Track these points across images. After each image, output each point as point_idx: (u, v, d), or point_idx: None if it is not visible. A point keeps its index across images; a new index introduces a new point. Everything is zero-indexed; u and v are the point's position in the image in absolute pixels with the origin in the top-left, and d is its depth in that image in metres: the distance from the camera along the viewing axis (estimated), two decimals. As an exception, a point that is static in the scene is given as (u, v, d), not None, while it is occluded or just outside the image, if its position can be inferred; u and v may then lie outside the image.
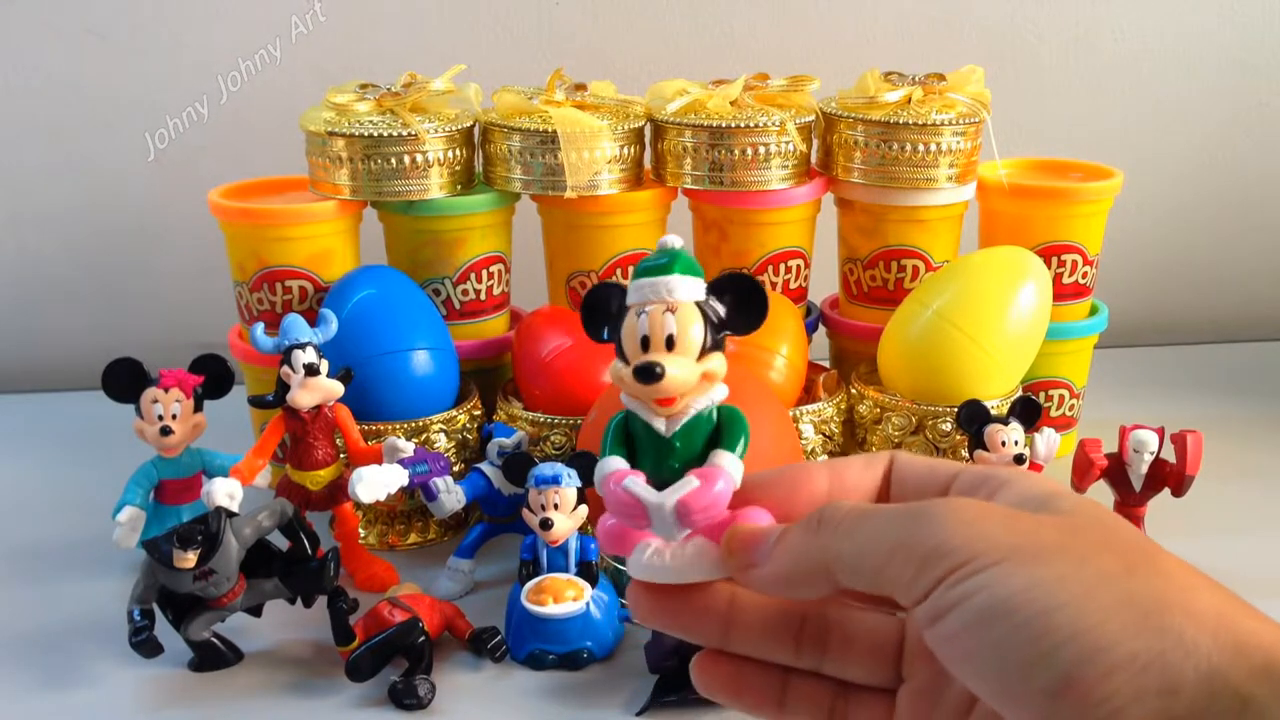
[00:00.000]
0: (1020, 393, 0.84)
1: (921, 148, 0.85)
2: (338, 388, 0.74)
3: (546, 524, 0.68)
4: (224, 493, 0.68)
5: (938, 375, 0.82)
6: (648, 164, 0.91)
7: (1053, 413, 0.94)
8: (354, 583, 0.76)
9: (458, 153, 0.85)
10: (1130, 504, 0.77)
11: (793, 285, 0.92)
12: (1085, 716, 0.25)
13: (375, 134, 0.81)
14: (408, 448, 0.73)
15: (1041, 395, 0.93)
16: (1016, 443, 0.75)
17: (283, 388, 0.73)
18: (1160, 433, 0.76)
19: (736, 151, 0.85)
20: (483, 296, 0.90)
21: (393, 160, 0.82)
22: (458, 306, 0.89)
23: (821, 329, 0.98)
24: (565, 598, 0.67)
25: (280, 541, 0.67)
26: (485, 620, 0.70)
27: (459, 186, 0.86)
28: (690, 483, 0.31)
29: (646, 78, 0.93)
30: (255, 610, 0.68)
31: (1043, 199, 0.91)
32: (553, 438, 0.80)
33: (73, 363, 1.15)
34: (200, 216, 0.89)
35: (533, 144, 0.84)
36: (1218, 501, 0.85)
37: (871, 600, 0.31)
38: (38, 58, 1.09)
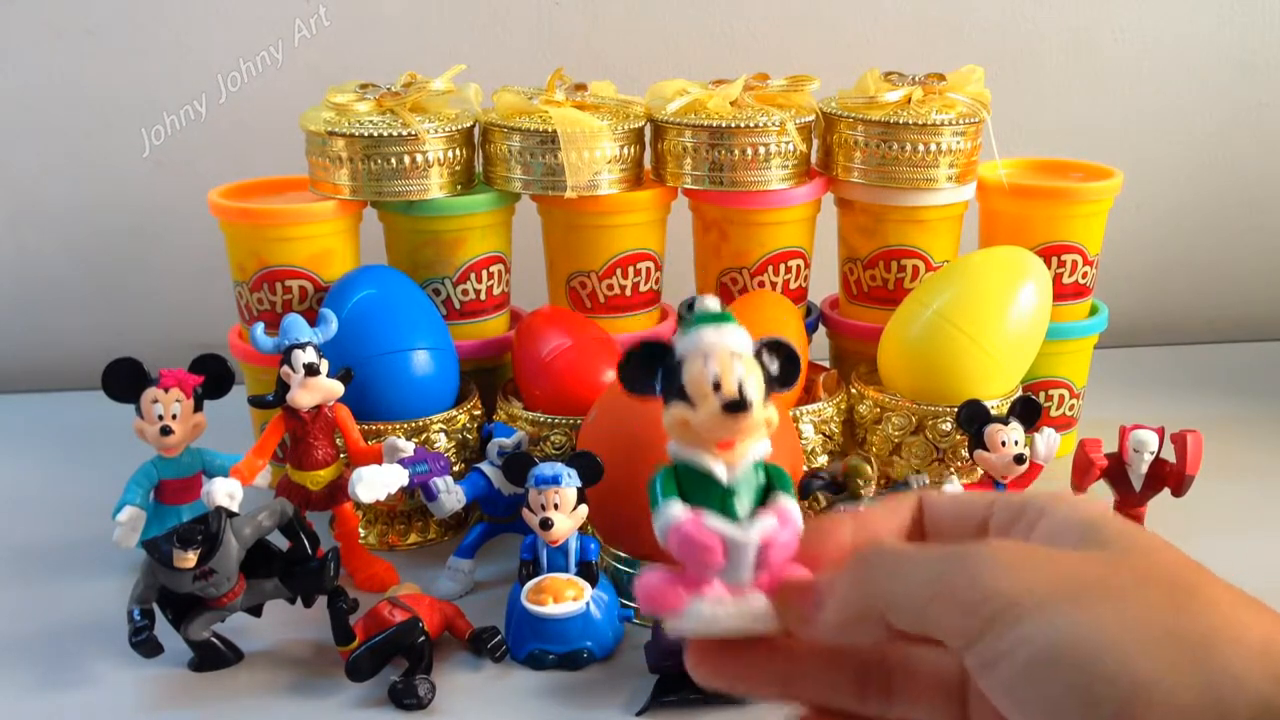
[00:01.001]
0: (1020, 393, 0.84)
1: (921, 148, 0.85)
2: (338, 388, 0.74)
3: (546, 524, 0.68)
4: (224, 493, 0.68)
5: (938, 375, 0.82)
6: (648, 164, 0.91)
7: (1053, 413, 0.94)
8: (354, 583, 0.76)
9: (458, 153, 0.85)
10: (1130, 504, 0.77)
11: (793, 285, 0.92)
12: None
13: (375, 134, 0.81)
14: (408, 448, 0.73)
15: (1041, 395, 0.93)
16: (1016, 442, 0.75)
17: (283, 388, 0.73)
18: (1160, 433, 0.76)
19: (736, 151, 0.85)
20: (483, 296, 0.90)
21: (393, 160, 0.82)
22: (458, 306, 0.89)
23: (821, 329, 0.98)
24: (565, 598, 0.67)
25: (280, 541, 0.67)
26: (485, 620, 0.70)
27: (459, 186, 0.86)
28: (768, 520, 0.32)
29: (646, 78, 0.93)
30: (255, 610, 0.68)
31: (1043, 199, 0.91)
32: (553, 438, 0.80)
33: (73, 363, 1.15)
34: (200, 216, 0.89)
35: (533, 144, 0.84)
36: (1218, 501, 0.84)
37: (926, 641, 0.31)
38: (38, 58, 1.09)
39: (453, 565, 0.76)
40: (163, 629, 0.65)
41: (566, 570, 0.69)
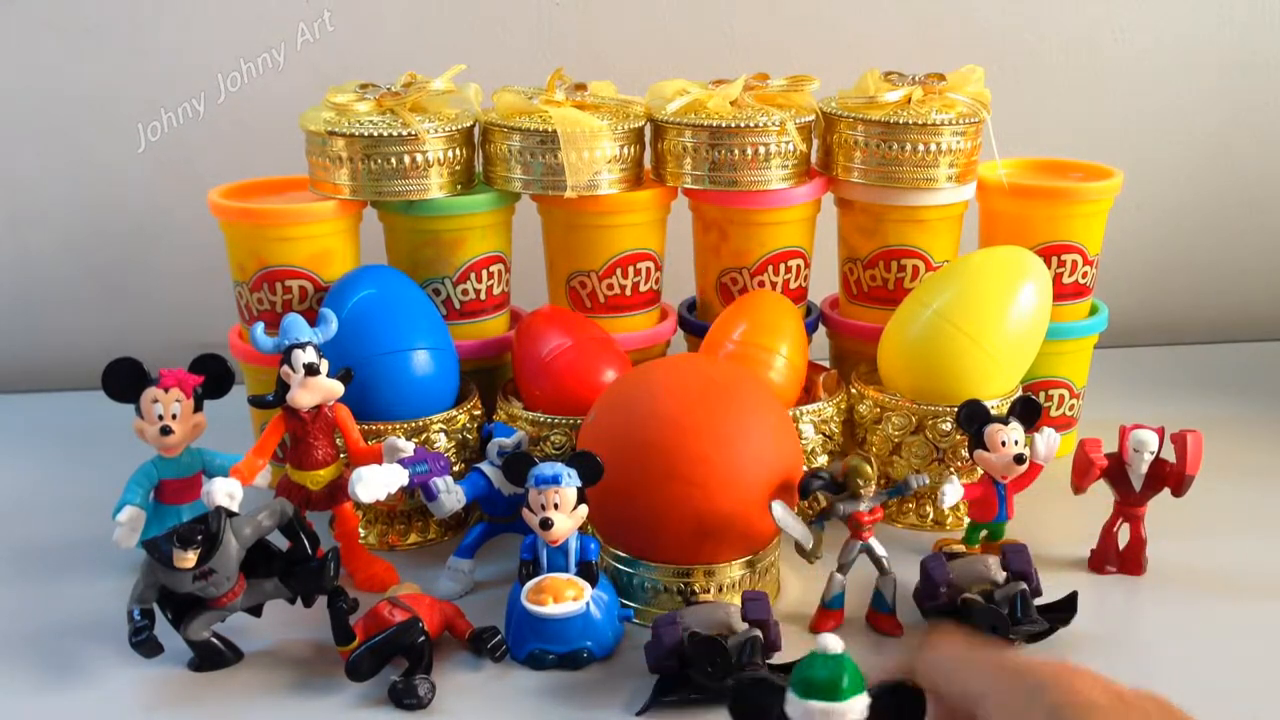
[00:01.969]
0: (1020, 392, 0.84)
1: (921, 148, 0.85)
2: (338, 388, 0.74)
3: (546, 524, 0.68)
4: (224, 493, 0.68)
5: (938, 375, 0.82)
6: (648, 164, 0.91)
7: (1053, 413, 0.94)
8: (354, 583, 0.76)
9: (458, 153, 0.85)
10: (1130, 504, 0.77)
11: (793, 285, 0.92)
12: None
13: (375, 134, 0.81)
14: (408, 448, 0.73)
15: (1041, 395, 0.93)
16: (1016, 442, 0.75)
17: (283, 388, 0.73)
18: (1160, 433, 0.76)
19: (736, 151, 0.85)
20: (483, 296, 0.90)
21: (393, 160, 0.82)
22: (458, 306, 0.89)
23: (821, 329, 0.98)
24: (565, 597, 0.67)
25: (280, 541, 0.67)
26: (485, 620, 0.70)
27: (459, 186, 0.86)
28: None
29: (646, 78, 0.93)
30: (255, 610, 0.68)
31: (1043, 199, 0.91)
32: (553, 438, 0.80)
33: (73, 363, 1.15)
34: (200, 216, 0.89)
35: (533, 144, 0.84)
36: (1218, 501, 0.85)
37: None
38: (38, 58, 1.09)
39: (453, 565, 0.76)
40: (163, 629, 0.65)
41: (566, 570, 0.69)
